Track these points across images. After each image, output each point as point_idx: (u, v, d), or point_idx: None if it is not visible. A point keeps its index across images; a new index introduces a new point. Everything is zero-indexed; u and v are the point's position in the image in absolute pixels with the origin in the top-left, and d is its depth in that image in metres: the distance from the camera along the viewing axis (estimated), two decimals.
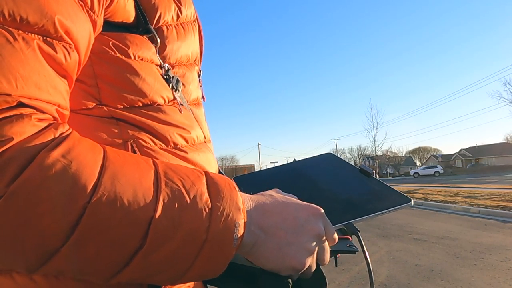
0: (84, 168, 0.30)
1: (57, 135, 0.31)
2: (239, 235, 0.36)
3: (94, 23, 0.38)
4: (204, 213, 0.35)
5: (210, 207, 0.35)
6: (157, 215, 0.32)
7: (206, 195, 0.36)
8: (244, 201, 0.39)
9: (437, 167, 45.39)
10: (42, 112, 0.31)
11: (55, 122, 0.32)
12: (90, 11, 0.37)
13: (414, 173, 44.05)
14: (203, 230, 0.34)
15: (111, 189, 0.31)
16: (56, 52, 0.33)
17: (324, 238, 0.42)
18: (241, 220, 0.37)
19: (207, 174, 0.39)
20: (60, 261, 0.30)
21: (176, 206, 0.34)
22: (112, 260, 0.32)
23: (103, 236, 0.31)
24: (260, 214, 0.40)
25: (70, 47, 0.34)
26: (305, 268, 0.40)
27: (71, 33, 0.34)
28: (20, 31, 0.30)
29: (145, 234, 0.32)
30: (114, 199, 0.31)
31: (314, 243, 0.41)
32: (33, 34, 0.31)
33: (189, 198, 0.35)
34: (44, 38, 0.32)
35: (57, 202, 0.28)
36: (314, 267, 0.42)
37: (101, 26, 0.41)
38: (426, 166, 49.11)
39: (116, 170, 0.32)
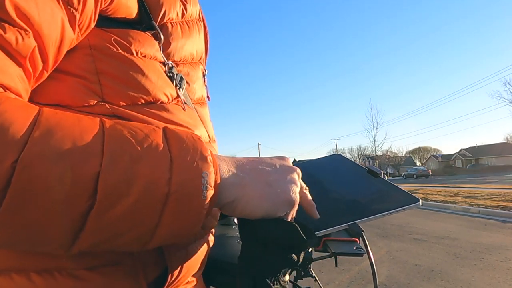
0: (11, 124, 0.27)
1: None
2: (209, 186, 0.34)
3: (71, 16, 0.37)
4: (163, 164, 0.32)
5: (169, 158, 0.33)
6: (104, 169, 0.30)
7: (163, 146, 0.33)
8: (213, 154, 0.37)
9: None
10: None
11: None
12: (66, 5, 0.36)
13: None
14: (164, 182, 0.32)
15: (44, 145, 0.28)
16: (5, 32, 0.30)
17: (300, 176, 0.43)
18: (209, 169, 0.35)
19: (166, 127, 0.37)
20: (1, 230, 0.28)
21: (127, 158, 0.31)
22: (63, 225, 0.30)
23: (43, 198, 0.28)
24: (237, 162, 0.40)
25: (26, 33, 0.32)
26: (297, 201, 0.41)
27: (31, 19, 0.32)
28: None
29: (94, 191, 0.29)
30: (48, 155, 0.28)
31: (295, 176, 0.42)
32: None
33: (142, 149, 0.32)
34: None
35: None
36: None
37: (91, 22, 0.40)
38: None
39: (51, 126, 0.29)
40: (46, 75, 0.37)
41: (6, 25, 0.31)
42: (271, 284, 0.38)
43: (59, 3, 0.35)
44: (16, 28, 0.31)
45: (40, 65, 0.35)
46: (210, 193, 0.34)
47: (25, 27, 0.32)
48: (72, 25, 0.37)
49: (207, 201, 0.34)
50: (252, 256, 0.39)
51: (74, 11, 0.37)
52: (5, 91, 0.31)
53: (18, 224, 0.28)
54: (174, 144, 0.34)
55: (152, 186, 0.32)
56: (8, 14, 0.31)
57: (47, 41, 0.34)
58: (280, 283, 0.39)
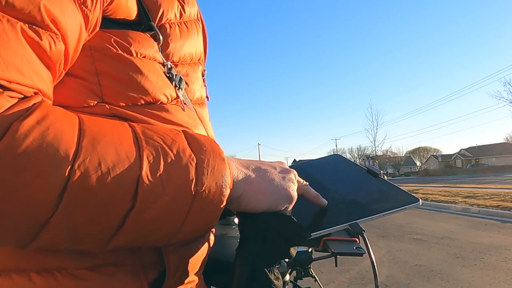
0: (62, 133, 0.30)
1: (30, 105, 0.30)
2: (227, 184, 0.38)
3: (86, 17, 0.38)
4: (190, 166, 0.36)
5: (195, 160, 0.36)
6: (143, 173, 0.32)
7: (188, 150, 0.37)
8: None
9: None
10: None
11: (28, 96, 0.31)
12: (82, 5, 0.37)
13: None
14: (192, 183, 0.35)
15: (93, 152, 0.30)
16: (41, 39, 0.32)
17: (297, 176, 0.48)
18: (226, 169, 0.39)
19: (185, 131, 0.40)
20: (52, 231, 0.30)
21: (162, 162, 0.34)
22: (105, 225, 0.32)
23: (92, 200, 0.30)
24: (242, 162, 0.44)
25: (57, 37, 0.33)
26: (296, 197, 0.45)
27: (58, 23, 0.33)
28: (5, 14, 0.29)
29: (135, 194, 0.32)
30: (97, 161, 0.30)
31: (293, 176, 0.46)
32: (18, 21, 0.30)
33: (173, 153, 0.35)
34: (30, 25, 0.31)
35: (40, 169, 0.28)
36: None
37: (97, 23, 0.40)
38: None
39: (94, 133, 0.32)
40: (63, 74, 0.38)
41: (41, 31, 0.32)
42: (268, 273, 0.41)
43: (75, 4, 0.36)
44: (48, 33, 0.33)
45: (62, 66, 0.36)
46: (228, 191, 0.38)
47: (56, 31, 0.33)
48: (86, 26, 0.38)
49: (225, 198, 0.38)
50: (251, 247, 0.42)
51: (88, 12, 0.38)
52: (42, 99, 0.32)
53: (68, 225, 0.31)
54: (196, 147, 0.38)
55: (183, 186, 0.35)
56: (43, 20, 0.32)
57: (70, 44, 0.36)
58: (274, 273, 0.42)
